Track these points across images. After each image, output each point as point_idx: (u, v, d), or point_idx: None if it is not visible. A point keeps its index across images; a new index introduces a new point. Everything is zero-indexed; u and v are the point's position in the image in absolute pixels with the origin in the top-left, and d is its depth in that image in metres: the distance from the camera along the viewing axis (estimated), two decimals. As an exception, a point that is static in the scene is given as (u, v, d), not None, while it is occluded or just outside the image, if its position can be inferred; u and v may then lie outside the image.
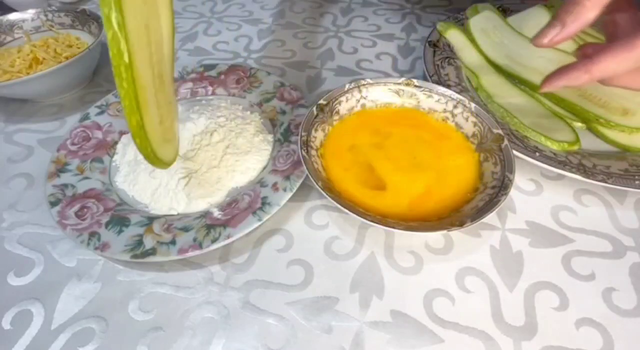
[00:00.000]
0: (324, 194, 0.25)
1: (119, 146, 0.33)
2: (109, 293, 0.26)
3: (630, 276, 0.26)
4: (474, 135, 0.32)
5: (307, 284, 0.26)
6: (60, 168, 0.31)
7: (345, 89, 0.33)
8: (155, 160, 0.29)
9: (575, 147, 0.32)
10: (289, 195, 0.28)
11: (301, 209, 0.30)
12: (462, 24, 0.45)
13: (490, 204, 0.25)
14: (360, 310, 0.25)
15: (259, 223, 0.26)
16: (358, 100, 0.34)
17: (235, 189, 0.30)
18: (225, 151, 0.31)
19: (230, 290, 0.26)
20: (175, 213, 0.28)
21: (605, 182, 0.29)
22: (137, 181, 0.30)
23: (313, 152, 0.29)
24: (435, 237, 0.28)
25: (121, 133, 0.35)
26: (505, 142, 0.29)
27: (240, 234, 0.26)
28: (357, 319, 0.24)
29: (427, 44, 0.42)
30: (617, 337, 0.24)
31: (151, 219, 0.27)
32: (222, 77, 0.39)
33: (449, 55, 0.41)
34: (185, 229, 0.26)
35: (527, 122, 0.34)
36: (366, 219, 0.24)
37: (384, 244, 0.28)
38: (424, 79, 0.35)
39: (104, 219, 0.27)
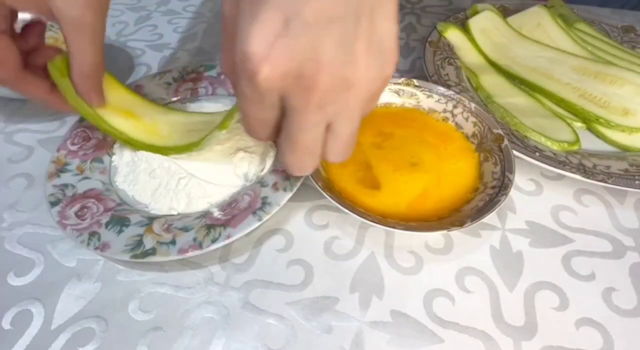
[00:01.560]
0: (324, 194, 0.25)
1: (116, 146, 0.33)
2: (109, 293, 0.26)
3: (630, 276, 0.26)
4: (474, 135, 0.32)
5: (307, 284, 0.26)
6: (60, 168, 0.31)
7: (345, 89, 0.33)
8: None
9: (575, 147, 0.32)
10: (289, 195, 0.28)
11: (301, 209, 0.30)
12: (462, 24, 0.45)
13: (490, 204, 0.25)
14: (360, 310, 0.25)
15: (259, 223, 0.26)
16: (358, 100, 0.34)
17: (235, 189, 0.30)
18: (225, 151, 0.31)
19: (230, 290, 0.26)
20: (175, 213, 0.28)
21: (605, 182, 0.29)
22: (137, 181, 0.30)
23: (313, 152, 0.29)
24: (435, 237, 0.28)
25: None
26: (505, 142, 0.29)
27: (240, 234, 0.26)
28: (357, 319, 0.24)
29: (427, 44, 0.42)
30: (617, 337, 0.24)
31: (151, 219, 0.27)
32: (222, 77, 0.39)
33: (449, 55, 0.41)
34: (185, 229, 0.26)
35: (527, 122, 0.34)
36: (366, 219, 0.24)
37: (384, 244, 0.28)
38: (424, 79, 0.35)
39: (104, 219, 0.27)
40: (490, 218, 0.28)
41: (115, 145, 0.34)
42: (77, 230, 0.26)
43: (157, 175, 0.29)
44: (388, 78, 0.18)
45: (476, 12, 0.45)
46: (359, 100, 0.17)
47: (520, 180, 0.32)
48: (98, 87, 0.28)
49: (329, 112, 0.17)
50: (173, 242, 0.25)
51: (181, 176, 0.29)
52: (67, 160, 0.31)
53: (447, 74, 0.39)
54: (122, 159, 0.32)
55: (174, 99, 0.38)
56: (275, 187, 0.28)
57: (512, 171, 0.27)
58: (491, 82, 0.39)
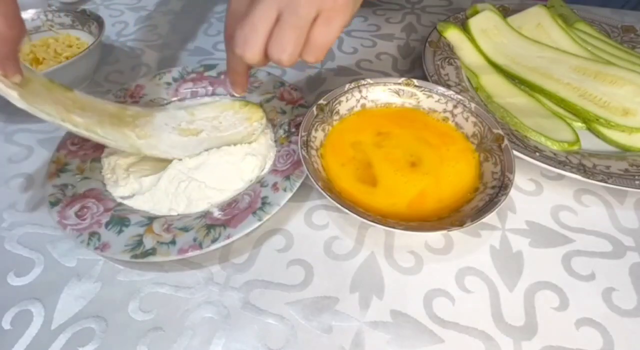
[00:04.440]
0: (324, 194, 0.25)
1: (104, 160, 0.32)
2: (109, 293, 0.26)
3: (630, 276, 0.26)
4: (474, 135, 0.32)
5: (307, 284, 0.26)
6: (60, 168, 0.31)
7: (345, 89, 0.33)
8: None
9: (575, 147, 0.32)
10: (289, 195, 0.28)
11: (301, 209, 0.30)
12: (462, 24, 0.45)
13: (490, 204, 0.25)
14: (360, 310, 0.25)
15: (259, 223, 0.26)
16: (358, 100, 0.34)
17: (236, 189, 0.30)
18: (236, 158, 0.31)
19: (230, 290, 0.26)
20: (176, 213, 0.28)
21: (605, 182, 0.29)
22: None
23: (313, 152, 0.29)
24: (435, 237, 0.28)
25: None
26: (505, 142, 0.29)
27: (240, 234, 0.26)
28: (357, 319, 0.24)
29: (427, 44, 0.42)
30: (617, 337, 0.24)
31: (151, 219, 0.27)
32: (222, 77, 0.39)
33: (449, 55, 0.41)
34: (185, 229, 0.26)
35: (527, 122, 0.34)
36: (366, 219, 0.24)
37: (384, 244, 0.28)
38: (424, 79, 0.35)
39: (104, 219, 0.27)
40: (490, 218, 0.28)
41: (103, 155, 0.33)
42: (77, 230, 0.26)
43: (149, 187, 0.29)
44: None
45: (476, 12, 0.45)
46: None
47: (520, 180, 0.32)
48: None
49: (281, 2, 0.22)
50: (173, 242, 0.25)
51: (181, 179, 0.29)
52: (67, 160, 0.31)
53: (447, 74, 0.39)
54: (108, 168, 0.31)
55: (174, 99, 0.38)
56: (275, 187, 0.28)
57: (512, 171, 0.27)
58: (491, 82, 0.39)
